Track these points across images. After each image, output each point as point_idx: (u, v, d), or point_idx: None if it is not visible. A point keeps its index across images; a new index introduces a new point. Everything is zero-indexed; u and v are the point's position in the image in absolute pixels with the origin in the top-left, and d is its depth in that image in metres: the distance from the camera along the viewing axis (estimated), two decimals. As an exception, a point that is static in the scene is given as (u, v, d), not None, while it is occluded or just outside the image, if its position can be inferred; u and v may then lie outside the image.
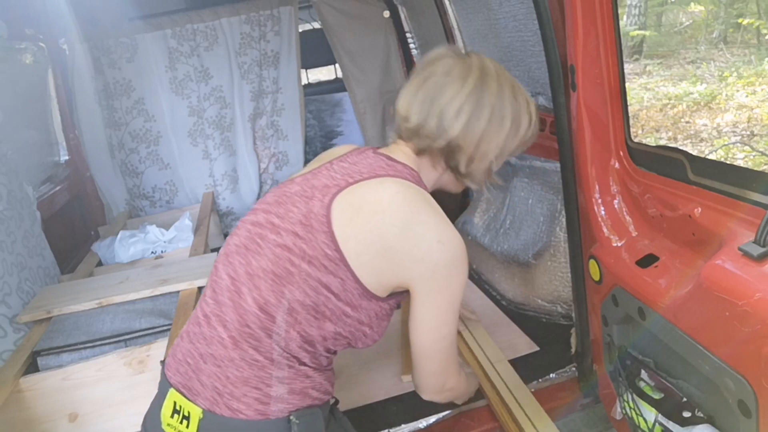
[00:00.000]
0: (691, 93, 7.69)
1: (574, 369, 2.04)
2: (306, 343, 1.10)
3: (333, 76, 4.44)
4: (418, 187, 1.19)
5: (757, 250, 1.06)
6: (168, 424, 1.10)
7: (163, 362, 1.23)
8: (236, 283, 1.10)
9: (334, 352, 1.18)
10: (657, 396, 1.39)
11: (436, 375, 1.26)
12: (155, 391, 1.19)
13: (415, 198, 1.15)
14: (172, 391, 1.11)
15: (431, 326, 1.17)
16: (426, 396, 1.32)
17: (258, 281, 1.08)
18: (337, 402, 1.28)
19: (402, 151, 1.26)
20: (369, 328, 1.15)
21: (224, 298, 1.11)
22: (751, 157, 5.67)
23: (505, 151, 1.25)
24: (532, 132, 1.28)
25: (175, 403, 1.09)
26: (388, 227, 1.09)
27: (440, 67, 1.21)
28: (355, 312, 1.11)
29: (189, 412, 1.07)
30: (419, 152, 1.25)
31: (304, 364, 1.11)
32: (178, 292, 2.16)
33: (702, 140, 6.43)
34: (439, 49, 1.26)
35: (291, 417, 1.08)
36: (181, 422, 1.08)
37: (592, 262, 1.67)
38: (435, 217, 1.15)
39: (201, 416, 1.06)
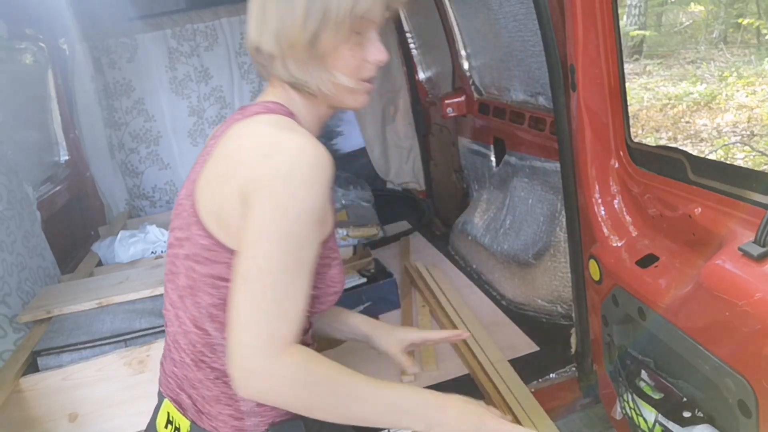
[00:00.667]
0: (691, 93, 7.69)
1: (574, 369, 2.04)
2: None
3: (333, 76, 4.44)
4: (270, 115, 0.98)
5: (757, 250, 1.06)
6: None
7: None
8: (176, 310, 1.04)
9: None
10: (657, 396, 1.39)
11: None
12: (155, 391, 1.19)
13: (255, 126, 0.95)
14: (166, 401, 1.10)
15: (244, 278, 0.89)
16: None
17: (185, 300, 1.01)
18: None
19: (267, 92, 1.07)
20: None
21: (174, 328, 1.06)
22: (751, 157, 5.67)
23: (296, 45, 0.96)
24: None
25: (168, 413, 1.08)
26: (240, 174, 0.89)
27: None
28: None
29: (180, 425, 1.06)
30: (269, 79, 1.05)
31: None
32: (178, 292, 2.16)
33: (702, 140, 6.43)
34: None
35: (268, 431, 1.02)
36: None
37: (592, 262, 1.67)
38: (275, 137, 0.91)
39: (189, 429, 1.04)
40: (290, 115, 1.01)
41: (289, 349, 0.85)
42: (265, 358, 0.83)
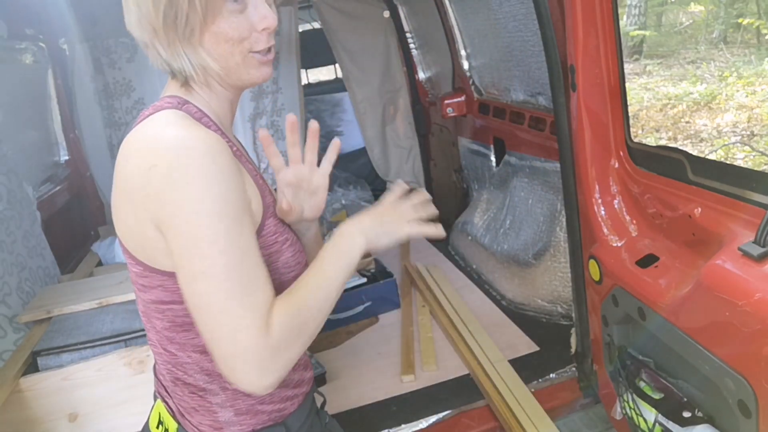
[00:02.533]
0: (691, 93, 7.68)
1: (574, 369, 2.04)
2: (209, 356, 0.88)
3: (333, 76, 4.44)
4: (156, 115, 0.87)
5: (757, 250, 1.06)
6: None
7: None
8: (146, 326, 0.99)
9: None
10: (657, 396, 1.39)
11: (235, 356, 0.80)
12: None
13: (138, 130, 0.86)
14: (158, 401, 1.09)
15: (183, 274, 0.81)
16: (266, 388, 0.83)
17: (146, 325, 0.98)
18: (324, 403, 1.16)
19: (167, 86, 0.96)
20: None
21: (149, 343, 1.03)
22: (751, 157, 5.66)
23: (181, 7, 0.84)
24: None
25: (159, 414, 1.07)
26: (138, 195, 0.82)
27: None
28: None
29: (168, 426, 1.04)
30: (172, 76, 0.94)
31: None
32: (178, 292, 2.16)
33: (702, 140, 6.43)
34: None
35: None
36: None
37: (592, 262, 1.67)
38: (152, 132, 0.84)
39: (176, 431, 1.03)
40: (183, 104, 0.89)
41: (271, 321, 0.80)
42: (263, 351, 0.79)
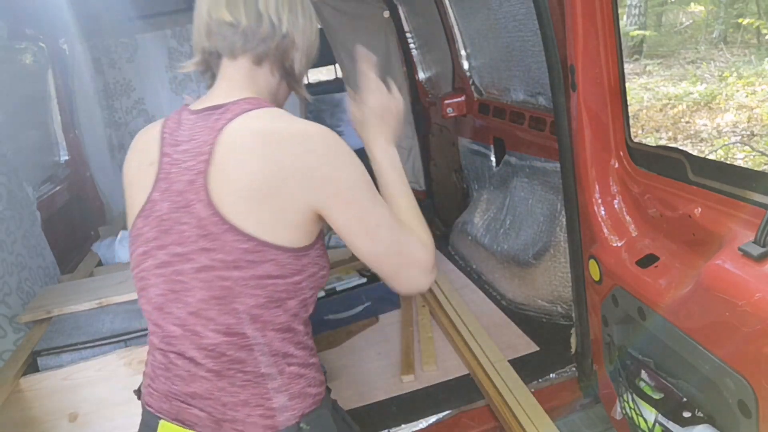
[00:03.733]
0: (691, 93, 7.69)
1: (574, 369, 2.04)
2: (285, 332, 1.05)
3: (333, 76, 4.44)
4: (264, 108, 1.06)
5: (757, 250, 1.06)
6: None
7: (138, 391, 1.18)
8: (188, 328, 1.03)
9: (309, 323, 1.12)
10: (657, 396, 1.39)
11: (409, 267, 1.07)
12: (155, 390, 1.17)
13: (266, 121, 1.04)
14: (163, 423, 1.06)
15: (364, 233, 1.04)
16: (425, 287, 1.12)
17: (206, 313, 1.01)
18: (329, 391, 1.22)
19: (227, 84, 1.12)
20: (321, 270, 1.09)
21: (185, 347, 1.04)
22: (751, 157, 5.67)
23: (313, 48, 1.19)
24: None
25: None
26: (263, 175, 0.98)
27: None
28: (302, 274, 1.04)
29: None
30: (258, 61, 1.12)
31: (293, 363, 1.06)
32: (178, 292, 2.16)
33: (702, 140, 6.43)
34: None
35: (301, 424, 1.04)
36: None
37: (592, 262, 1.67)
38: (295, 125, 1.04)
39: None
40: (263, 103, 1.09)
41: (421, 238, 1.09)
42: (431, 259, 1.08)
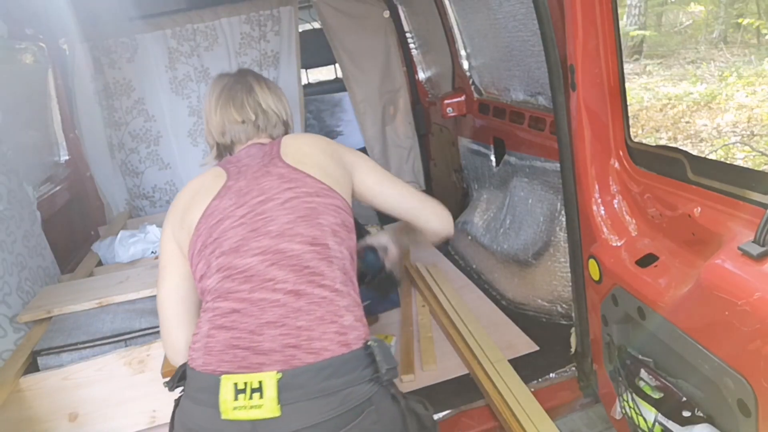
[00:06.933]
0: (691, 93, 7.68)
1: (574, 369, 2.04)
2: (351, 260, 1.28)
3: (333, 76, 4.44)
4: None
5: (756, 250, 1.06)
6: (235, 408, 1.07)
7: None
8: (270, 250, 1.19)
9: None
10: (657, 396, 1.39)
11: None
12: (155, 390, 1.18)
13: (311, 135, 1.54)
14: (224, 377, 1.09)
15: (392, 184, 1.50)
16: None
17: (295, 229, 1.21)
18: None
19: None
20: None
21: (262, 270, 1.17)
22: (751, 157, 5.66)
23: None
24: None
25: (235, 384, 1.08)
26: (324, 150, 1.41)
27: (250, 80, 1.57)
28: (351, 218, 1.34)
29: (260, 382, 1.07)
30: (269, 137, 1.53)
31: (353, 293, 1.26)
32: (178, 291, 2.16)
33: (702, 140, 6.43)
34: (222, 75, 1.59)
35: (369, 342, 1.17)
36: (250, 397, 1.07)
37: (592, 261, 1.67)
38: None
39: (279, 377, 1.07)
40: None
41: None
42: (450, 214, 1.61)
